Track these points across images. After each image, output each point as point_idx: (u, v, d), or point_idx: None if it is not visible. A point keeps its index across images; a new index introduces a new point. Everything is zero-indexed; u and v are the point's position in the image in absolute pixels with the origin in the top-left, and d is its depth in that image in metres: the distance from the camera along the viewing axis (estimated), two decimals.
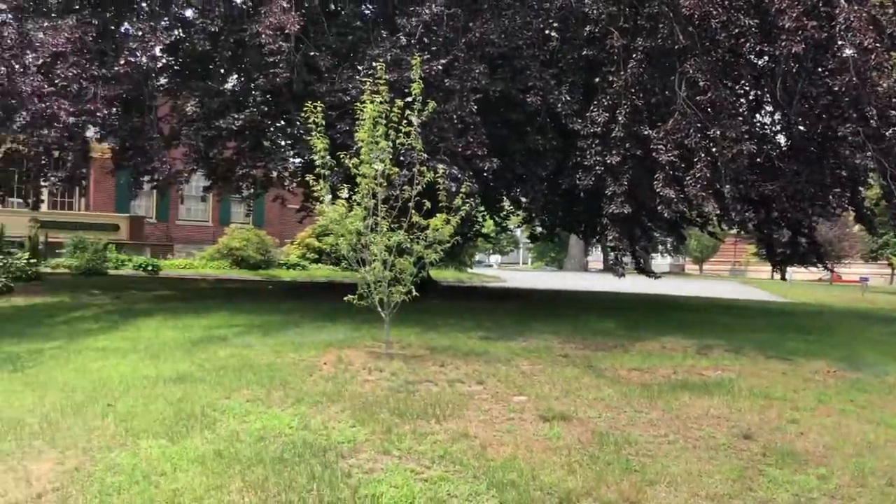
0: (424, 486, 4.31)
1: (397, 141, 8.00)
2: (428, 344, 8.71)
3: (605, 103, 11.10)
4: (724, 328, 12.23)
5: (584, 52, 11.69)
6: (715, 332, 11.30)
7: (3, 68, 11.23)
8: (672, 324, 12.57)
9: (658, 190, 10.54)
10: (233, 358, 7.74)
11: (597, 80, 11.80)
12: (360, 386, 6.58)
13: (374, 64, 9.08)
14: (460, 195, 8.39)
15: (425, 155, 8.68)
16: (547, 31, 12.27)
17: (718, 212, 11.12)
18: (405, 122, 8.02)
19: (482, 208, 19.20)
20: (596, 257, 64.04)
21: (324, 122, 8.31)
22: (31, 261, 18.17)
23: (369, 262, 7.94)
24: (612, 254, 12.92)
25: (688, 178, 10.42)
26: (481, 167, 11.32)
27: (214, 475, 4.35)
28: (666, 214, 10.85)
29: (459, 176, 10.69)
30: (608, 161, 10.96)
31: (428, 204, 8.13)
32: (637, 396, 6.64)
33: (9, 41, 11.79)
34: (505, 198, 18.30)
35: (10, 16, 12.37)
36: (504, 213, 21.40)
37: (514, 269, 62.18)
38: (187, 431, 5.13)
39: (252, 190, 19.24)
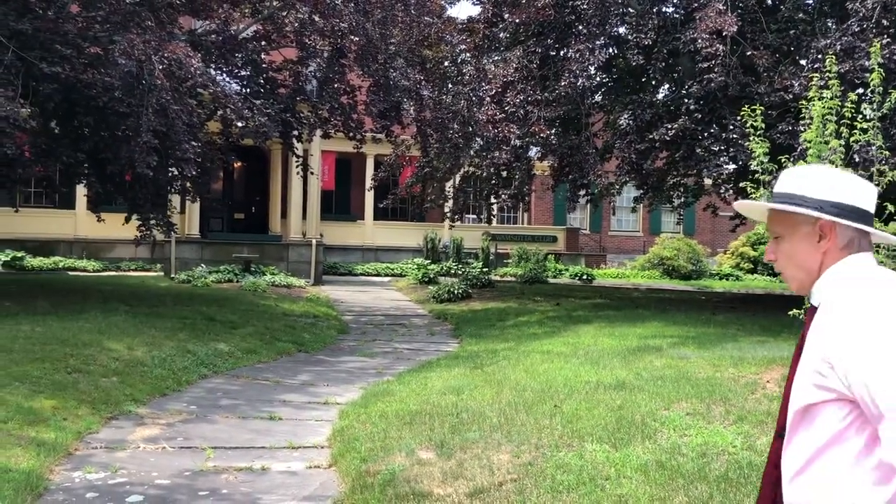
0: None
1: (851, 139, 7.17)
2: None
3: None
4: None
5: None
6: None
7: (463, 101, 12.90)
8: None
9: None
10: (669, 369, 7.70)
11: None
12: None
13: (819, 56, 8.31)
14: None
15: (887, 152, 7.64)
16: None
17: None
18: (860, 116, 7.16)
19: None
20: None
21: (762, 125, 7.84)
22: (484, 269, 20.53)
23: None
24: None
25: None
26: None
27: (657, 486, 4.36)
28: None
29: None
30: None
31: (891, 208, 7.13)
32: None
33: (467, 77, 13.51)
34: None
35: (468, 55, 14.17)
36: None
37: None
38: (629, 439, 5.23)
39: (683, 199, 19.09)
